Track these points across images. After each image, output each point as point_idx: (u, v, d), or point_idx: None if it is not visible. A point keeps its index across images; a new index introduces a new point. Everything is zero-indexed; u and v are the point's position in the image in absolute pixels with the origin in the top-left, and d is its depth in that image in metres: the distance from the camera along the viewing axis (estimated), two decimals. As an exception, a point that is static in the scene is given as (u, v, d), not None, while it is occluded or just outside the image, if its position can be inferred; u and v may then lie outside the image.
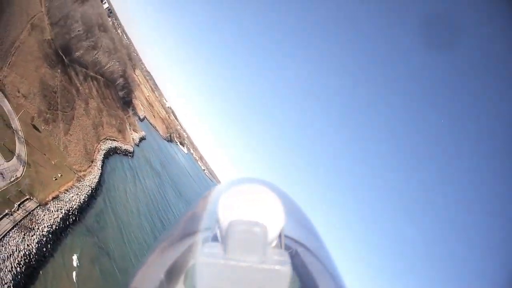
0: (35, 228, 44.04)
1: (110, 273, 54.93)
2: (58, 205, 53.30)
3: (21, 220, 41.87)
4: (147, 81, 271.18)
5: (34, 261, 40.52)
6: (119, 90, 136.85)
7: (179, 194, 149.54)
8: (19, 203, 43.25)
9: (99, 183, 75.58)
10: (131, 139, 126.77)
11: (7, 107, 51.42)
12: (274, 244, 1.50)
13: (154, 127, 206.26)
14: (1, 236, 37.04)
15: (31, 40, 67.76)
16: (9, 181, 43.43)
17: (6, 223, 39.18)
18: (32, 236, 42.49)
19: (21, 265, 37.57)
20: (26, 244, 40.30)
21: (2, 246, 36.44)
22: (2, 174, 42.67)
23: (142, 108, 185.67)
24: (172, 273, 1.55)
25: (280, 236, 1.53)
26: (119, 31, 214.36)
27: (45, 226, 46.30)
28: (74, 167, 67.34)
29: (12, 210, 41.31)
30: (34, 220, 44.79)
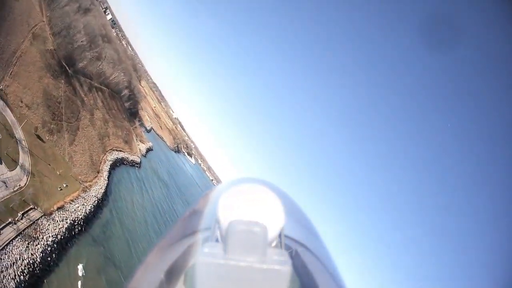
0: (39, 237, 44.25)
1: (117, 282, 54.72)
2: (63, 215, 53.57)
3: (25, 229, 42.12)
4: (153, 92, 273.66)
5: (38, 270, 40.71)
6: (125, 101, 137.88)
7: (187, 204, 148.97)
8: (22, 212, 43.56)
9: (106, 194, 75.96)
10: (138, 150, 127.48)
11: (10, 117, 52.00)
12: (274, 244, 1.52)
13: (161, 138, 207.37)
14: (4, 244, 37.21)
15: (33, 50, 68.63)
16: (12, 190, 43.78)
17: (10, 232, 39.40)
18: (36, 245, 42.66)
19: (24, 274, 37.74)
20: (30, 253, 40.45)
21: (5, 254, 36.68)
22: (5, 183, 43.01)
23: (148, 119, 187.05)
24: (172, 273, 1.57)
25: (280, 236, 1.55)
26: (123, 42, 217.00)
27: (49, 236, 46.50)
28: (79, 177, 67.79)
29: (16, 219, 41.55)
30: (38, 229, 45.03)
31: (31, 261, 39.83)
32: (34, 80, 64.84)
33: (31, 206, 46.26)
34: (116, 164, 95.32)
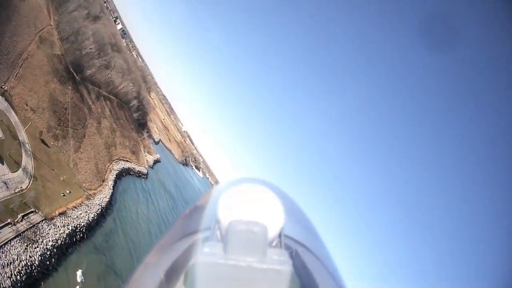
0: (39, 240, 44.31)
1: (117, 291, 54.50)
2: (65, 221, 53.63)
3: (24, 231, 42.23)
4: (163, 104, 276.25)
5: (36, 272, 40.63)
6: (134, 111, 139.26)
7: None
8: (23, 214, 43.69)
9: (110, 203, 76.05)
10: (145, 161, 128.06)
11: (14, 118, 52.65)
12: (274, 244, 1.54)
13: (169, 151, 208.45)
14: (2, 244, 37.28)
15: (40, 53, 69.72)
16: (13, 192, 44.03)
17: (8, 232, 39.54)
18: (35, 248, 42.71)
19: (21, 274, 37.73)
20: (28, 255, 40.49)
21: (3, 253, 36.80)
22: (6, 183, 43.32)
23: (157, 131, 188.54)
24: (172, 273, 1.59)
25: (280, 236, 1.58)
26: (133, 53, 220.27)
27: (49, 240, 46.51)
28: (84, 185, 68.05)
29: (15, 220, 41.70)
30: (38, 233, 45.10)
31: (29, 263, 39.77)
32: (41, 84, 65.75)
33: (32, 209, 46.40)
34: (122, 174, 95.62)
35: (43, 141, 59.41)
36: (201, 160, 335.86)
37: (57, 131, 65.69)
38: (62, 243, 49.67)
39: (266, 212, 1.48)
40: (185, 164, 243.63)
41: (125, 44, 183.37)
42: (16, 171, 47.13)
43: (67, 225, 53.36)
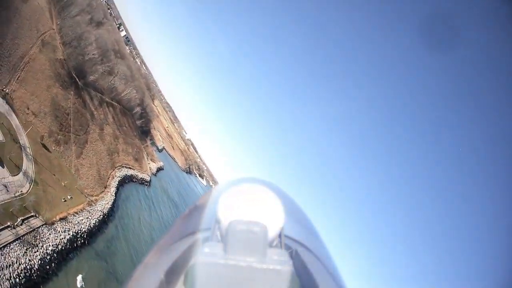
0: (38, 245, 44.35)
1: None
2: (66, 226, 53.66)
3: (24, 235, 42.27)
4: (167, 112, 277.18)
5: (35, 276, 40.69)
6: (137, 119, 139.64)
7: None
8: (23, 218, 43.78)
9: (112, 209, 76.02)
10: (148, 169, 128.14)
11: (15, 121, 52.90)
12: (274, 244, 1.57)
13: (173, 158, 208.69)
14: (1, 246, 37.33)
15: (42, 57, 70.21)
16: (13, 195, 44.15)
17: (8, 235, 39.60)
18: (35, 252, 42.77)
19: (20, 277, 37.81)
20: (27, 259, 40.56)
21: (2, 255, 36.84)
22: (6, 187, 43.43)
23: (160, 138, 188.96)
24: (172, 273, 1.61)
25: (280, 236, 1.61)
26: (137, 60, 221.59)
27: (49, 245, 46.53)
28: (85, 190, 68.13)
29: (15, 223, 41.74)
30: (38, 237, 45.12)
31: (28, 266, 39.83)
32: (42, 88, 66.14)
33: (32, 213, 46.47)
34: (125, 181, 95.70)
35: (44, 146, 59.64)
36: (205, 168, 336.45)
37: (59, 136, 65.92)
38: (63, 248, 49.68)
39: (266, 212, 1.50)
40: (189, 172, 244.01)
41: (128, 51, 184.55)
42: (16, 175, 47.28)
43: (68, 231, 53.38)
